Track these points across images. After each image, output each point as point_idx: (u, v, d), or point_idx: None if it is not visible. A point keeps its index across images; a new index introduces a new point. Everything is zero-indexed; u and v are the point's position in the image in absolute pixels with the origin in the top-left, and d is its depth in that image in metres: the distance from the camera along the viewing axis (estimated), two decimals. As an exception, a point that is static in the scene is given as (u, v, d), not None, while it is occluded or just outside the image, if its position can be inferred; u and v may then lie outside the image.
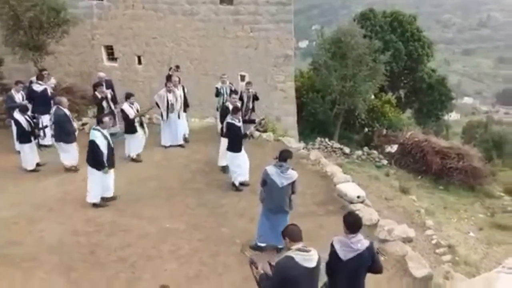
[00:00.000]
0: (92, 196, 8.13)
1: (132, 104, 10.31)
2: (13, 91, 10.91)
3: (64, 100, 9.86)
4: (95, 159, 7.94)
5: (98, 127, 7.98)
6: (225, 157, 9.41)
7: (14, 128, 10.06)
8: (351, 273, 4.48)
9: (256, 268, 4.43)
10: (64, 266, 6.36)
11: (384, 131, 18.73)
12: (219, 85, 11.89)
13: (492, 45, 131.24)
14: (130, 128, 10.30)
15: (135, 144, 10.50)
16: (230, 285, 6.12)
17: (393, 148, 17.17)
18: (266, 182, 6.40)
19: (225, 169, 9.66)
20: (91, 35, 16.40)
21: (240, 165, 8.92)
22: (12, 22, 12.70)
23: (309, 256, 4.09)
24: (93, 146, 7.87)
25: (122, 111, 10.25)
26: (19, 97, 10.87)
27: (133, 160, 10.46)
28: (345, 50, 17.50)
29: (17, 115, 9.61)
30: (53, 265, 6.39)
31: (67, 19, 13.23)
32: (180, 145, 11.41)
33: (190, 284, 6.10)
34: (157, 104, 11.54)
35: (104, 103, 11.36)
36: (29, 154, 9.79)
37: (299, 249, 4.09)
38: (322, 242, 5.18)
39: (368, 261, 4.52)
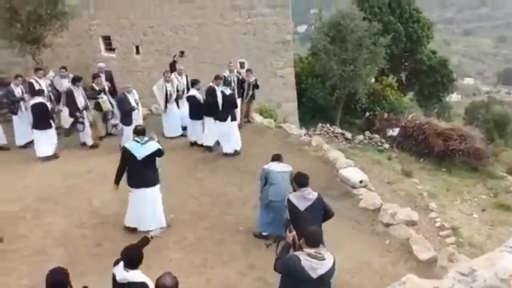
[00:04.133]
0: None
1: (199, 89, 10.37)
2: (12, 85, 10.81)
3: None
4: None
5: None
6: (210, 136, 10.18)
7: (30, 116, 9.95)
8: (309, 220, 5.05)
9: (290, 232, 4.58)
10: (71, 259, 6.40)
11: (386, 115, 18.68)
12: (226, 73, 11.45)
13: (492, 24, 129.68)
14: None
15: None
16: (236, 273, 6.16)
17: (394, 132, 17.13)
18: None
19: (210, 148, 10.26)
20: (88, 25, 16.26)
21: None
22: (8, 15, 12.56)
23: (318, 265, 3.96)
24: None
25: (191, 96, 10.34)
26: (18, 91, 10.73)
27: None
28: (345, 33, 17.38)
29: (38, 98, 9.77)
30: (60, 258, 6.43)
31: (64, 12, 13.09)
32: (182, 135, 11.37)
33: (196, 273, 6.15)
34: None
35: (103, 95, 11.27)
36: (46, 142, 9.86)
37: (309, 254, 3.98)
38: (324, 227, 5.23)
39: (321, 208, 5.36)
